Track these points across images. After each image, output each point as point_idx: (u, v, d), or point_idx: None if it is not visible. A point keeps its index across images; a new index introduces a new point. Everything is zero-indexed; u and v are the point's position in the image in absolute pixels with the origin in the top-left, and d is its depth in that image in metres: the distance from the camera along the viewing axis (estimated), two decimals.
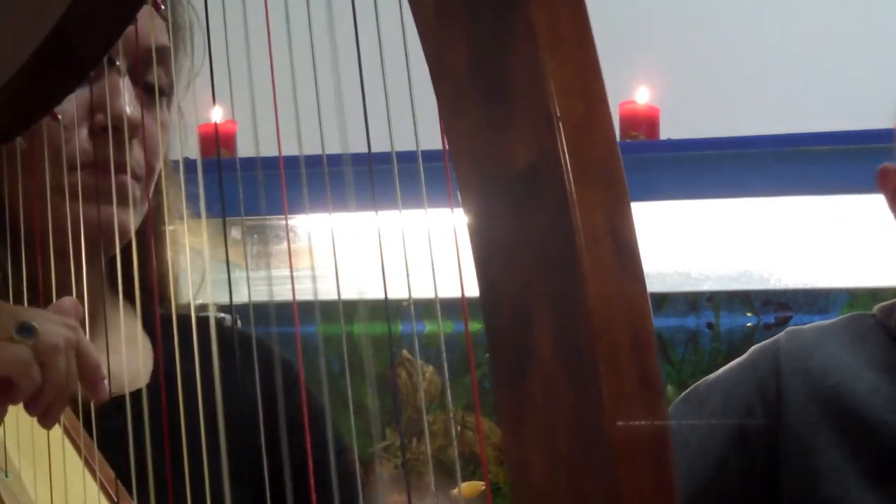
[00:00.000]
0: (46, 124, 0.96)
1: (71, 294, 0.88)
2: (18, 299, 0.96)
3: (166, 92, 1.07)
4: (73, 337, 0.83)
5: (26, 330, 0.81)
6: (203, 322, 0.88)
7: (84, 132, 1.01)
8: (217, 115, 2.10)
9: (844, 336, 1.60)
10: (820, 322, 1.68)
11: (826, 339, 1.59)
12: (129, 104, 1.00)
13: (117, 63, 0.99)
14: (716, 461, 1.55)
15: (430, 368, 2.59)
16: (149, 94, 1.04)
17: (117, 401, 0.94)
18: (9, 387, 0.82)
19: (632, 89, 2.48)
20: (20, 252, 0.99)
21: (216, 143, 0.85)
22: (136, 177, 1.03)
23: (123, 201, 1.00)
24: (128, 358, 0.96)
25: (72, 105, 0.98)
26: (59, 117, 0.97)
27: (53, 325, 0.82)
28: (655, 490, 0.56)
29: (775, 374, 1.56)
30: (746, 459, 1.55)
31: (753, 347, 1.64)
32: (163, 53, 1.05)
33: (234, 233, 0.86)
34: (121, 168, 1.01)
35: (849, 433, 1.50)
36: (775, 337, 1.62)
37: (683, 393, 1.67)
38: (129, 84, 1.01)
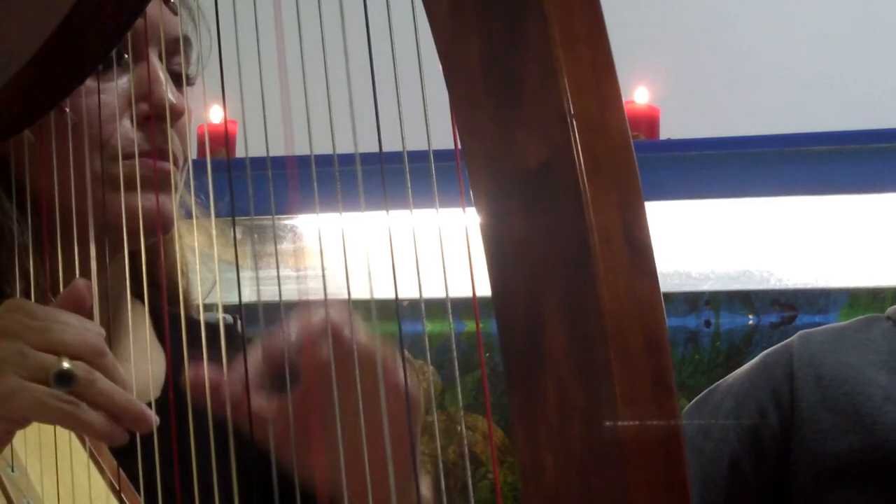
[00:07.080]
0: (60, 117, 0.95)
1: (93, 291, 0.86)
2: (48, 296, 0.95)
3: (191, 81, 1.07)
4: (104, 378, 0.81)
5: (65, 379, 0.78)
6: (212, 328, 0.87)
7: (126, 121, 1.00)
8: (217, 114, 2.08)
9: (858, 339, 1.58)
10: (833, 325, 1.67)
11: (839, 343, 1.58)
12: (170, 92, 1.00)
13: (149, 52, 0.99)
14: (730, 466, 1.54)
15: (432, 368, 2.59)
16: (174, 82, 1.04)
17: None
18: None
19: (632, 89, 2.47)
20: (53, 246, 0.97)
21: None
22: (177, 165, 1.03)
23: (168, 189, 0.99)
24: (141, 365, 0.95)
25: (113, 95, 0.99)
26: (67, 110, 0.96)
27: (84, 347, 0.80)
28: (666, 490, 0.56)
29: (788, 380, 1.55)
30: (760, 465, 1.55)
31: (766, 351, 1.63)
32: (186, 43, 1.05)
33: (239, 233, 0.86)
34: (165, 156, 1.00)
35: (861, 441, 1.49)
36: (788, 340, 1.61)
37: (695, 399, 1.66)
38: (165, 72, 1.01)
